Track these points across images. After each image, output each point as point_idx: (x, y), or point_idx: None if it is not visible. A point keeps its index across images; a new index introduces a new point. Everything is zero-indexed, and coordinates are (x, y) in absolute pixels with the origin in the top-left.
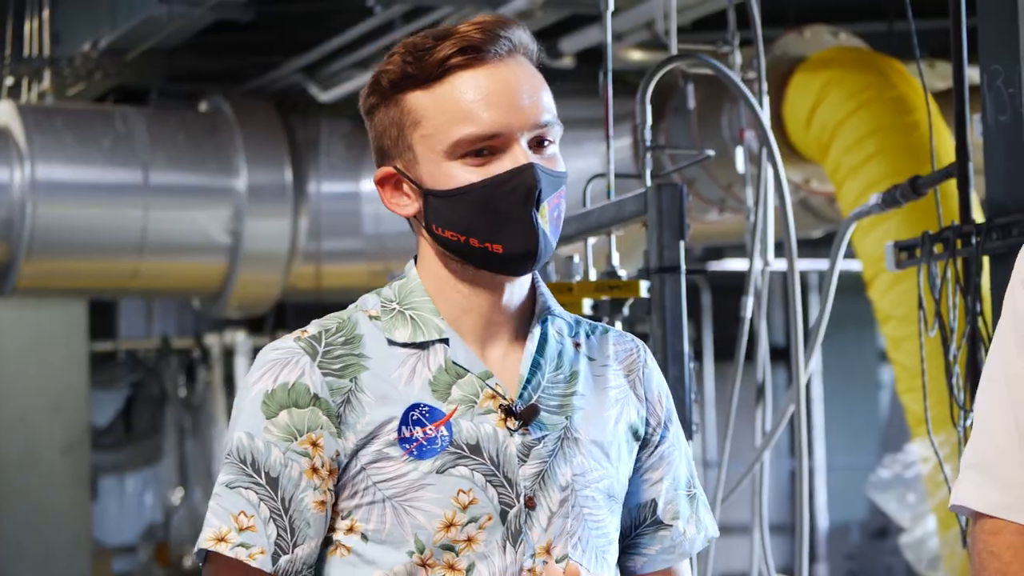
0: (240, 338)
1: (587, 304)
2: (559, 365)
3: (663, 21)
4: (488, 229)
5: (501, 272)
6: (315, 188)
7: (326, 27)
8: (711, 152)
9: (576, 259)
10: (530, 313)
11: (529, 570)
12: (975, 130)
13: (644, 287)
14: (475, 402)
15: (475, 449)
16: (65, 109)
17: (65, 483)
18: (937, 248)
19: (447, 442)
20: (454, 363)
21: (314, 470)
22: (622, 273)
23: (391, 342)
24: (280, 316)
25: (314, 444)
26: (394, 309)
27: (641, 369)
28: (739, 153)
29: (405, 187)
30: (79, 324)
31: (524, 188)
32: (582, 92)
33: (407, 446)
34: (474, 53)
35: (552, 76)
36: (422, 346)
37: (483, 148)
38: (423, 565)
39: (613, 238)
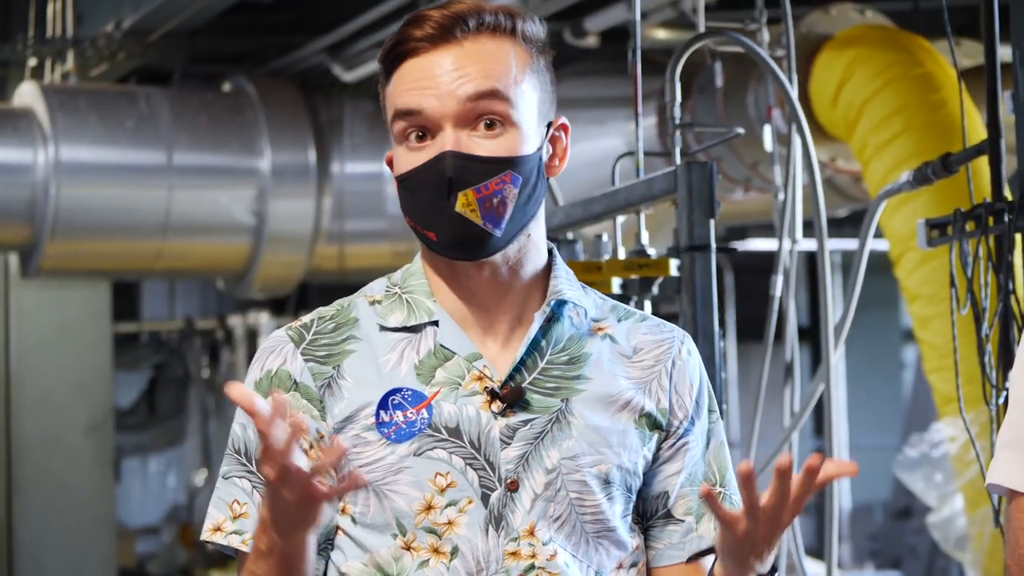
0: (264, 319)
1: (616, 283)
2: (567, 347)
3: None
4: (422, 217)
5: (449, 258)
6: (339, 168)
7: (350, 6)
8: (741, 130)
9: (605, 238)
10: (542, 298)
11: (512, 553)
12: (1005, 107)
13: (674, 265)
14: (460, 384)
15: (455, 432)
16: (88, 90)
17: (89, 464)
18: (969, 226)
19: (426, 424)
20: (442, 345)
21: (303, 453)
22: (651, 252)
23: (383, 328)
24: (303, 297)
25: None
26: (395, 293)
27: (672, 359)
28: (767, 132)
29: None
30: (103, 306)
31: (435, 178)
32: (606, 71)
33: (385, 430)
34: (408, 45)
35: (576, 55)
36: (414, 329)
37: (414, 129)
38: (408, 548)
39: (642, 216)
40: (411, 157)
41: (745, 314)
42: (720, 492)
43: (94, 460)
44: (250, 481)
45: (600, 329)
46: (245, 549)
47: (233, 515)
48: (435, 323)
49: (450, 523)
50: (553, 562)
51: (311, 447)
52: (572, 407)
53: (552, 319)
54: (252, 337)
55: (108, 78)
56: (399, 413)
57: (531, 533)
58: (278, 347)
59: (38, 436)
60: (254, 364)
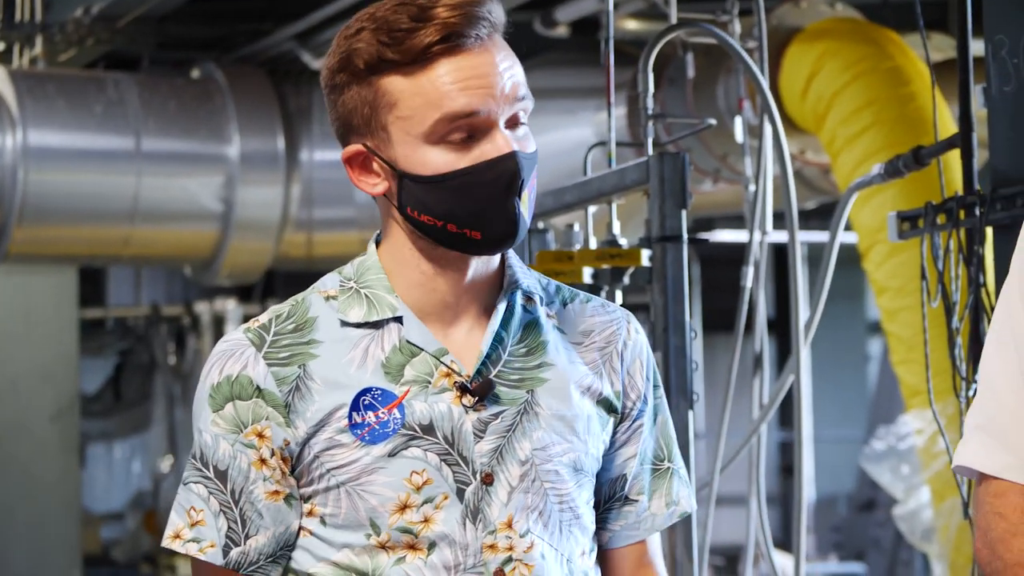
0: (230, 306)
1: (587, 272)
2: (523, 338)
3: None
4: (468, 216)
5: (476, 254)
6: (307, 156)
7: None
8: (713, 121)
9: (576, 227)
10: (499, 287)
11: (490, 546)
12: (976, 101)
13: (646, 256)
14: (429, 382)
15: (428, 429)
16: (57, 75)
17: (54, 451)
18: (940, 219)
19: (399, 424)
20: (408, 342)
21: (262, 461)
22: (623, 242)
23: (344, 323)
24: (270, 284)
25: (260, 435)
26: (351, 288)
27: (622, 340)
28: (738, 123)
29: (375, 166)
30: (69, 291)
31: (507, 177)
32: (576, 62)
33: (358, 432)
34: (457, 40)
35: (546, 45)
36: (376, 325)
37: (463, 131)
38: (383, 548)
39: (614, 207)
40: (453, 157)
41: (710, 306)
42: (668, 467)
43: (60, 446)
44: (206, 487)
45: (551, 316)
46: (202, 557)
47: (191, 522)
48: (398, 319)
49: (426, 520)
50: (530, 553)
51: (272, 455)
52: (538, 397)
53: (511, 309)
54: (219, 324)
55: (76, 63)
56: (371, 414)
57: (508, 525)
58: (237, 350)
59: (3, 422)
60: (211, 367)
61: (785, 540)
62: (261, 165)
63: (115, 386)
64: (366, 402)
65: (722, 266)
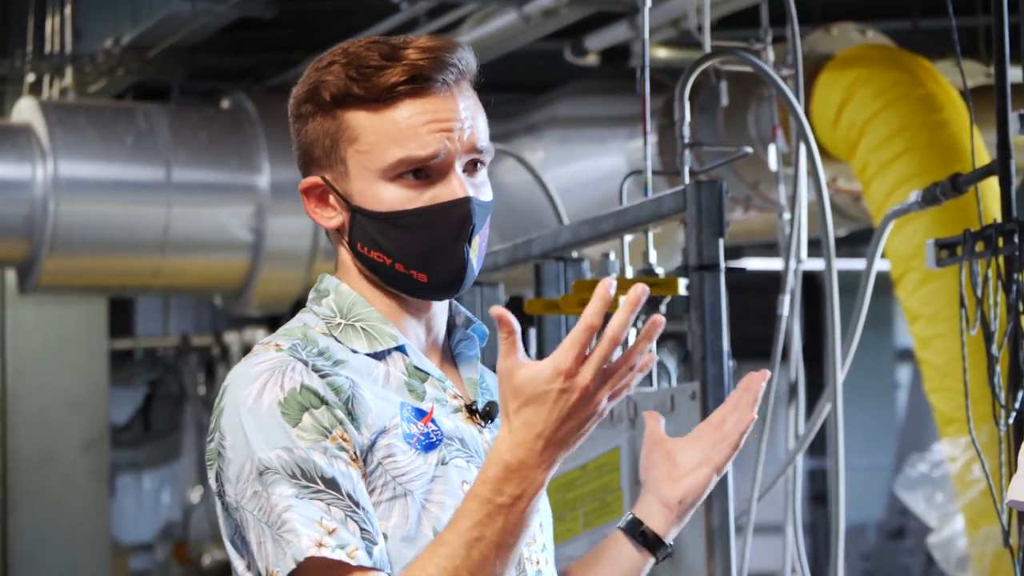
0: (260, 335)
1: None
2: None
3: (695, 17)
4: (416, 257)
5: (424, 298)
6: None
7: (348, 24)
8: (749, 149)
9: (612, 256)
10: (448, 318)
11: (527, 559)
12: (1011, 127)
13: (683, 285)
14: (447, 401)
15: (464, 442)
16: (87, 106)
17: (84, 481)
18: (978, 246)
19: (441, 436)
20: (416, 368)
21: (354, 460)
22: (659, 271)
23: (354, 351)
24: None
25: (343, 439)
26: (340, 323)
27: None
28: (772, 151)
29: (331, 199)
30: (99, 322)
31: (458, 221)
32: (606, 90)
33: (410, 440)
34: (423, 82)
35: (576, 74)
36: (379, 356)
37: (420, 171)
38: None
39: (651, 235)
40: (408, 196)
41: (736, 332)
42: None
43: (89, 476)
44: (323, 500)
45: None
46: (352, 562)
47: (327, 530)
48: (399, 348)
49: None
50: (547, 566)
51: (355, 459)
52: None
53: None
54: (248, 353)
55: (106, 94)
56: (413, 425)
57: (533, 540)
58: (286, 366)
59: (34, 452)
60: (263, 385)
61: (815, 568)
62: (291, 195)
63: (145, 416)
64: (406, 415)
65: (749, 294)
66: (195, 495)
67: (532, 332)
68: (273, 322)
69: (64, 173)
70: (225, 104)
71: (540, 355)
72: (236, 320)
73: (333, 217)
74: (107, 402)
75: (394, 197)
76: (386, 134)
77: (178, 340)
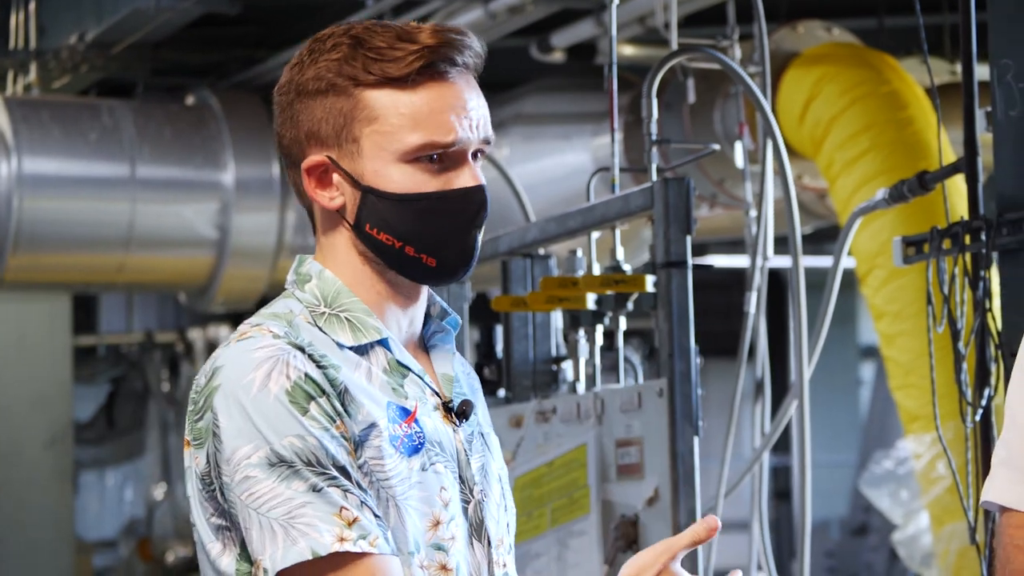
0: (224, 332)
1: (591, 299)
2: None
3: (662, 14)
4: (428, 241)
5: (425, 283)
6: None
7: (314, 21)
8: (717, 146)
9: (579, 253)
10: (424, 310)
11: (495, 562)
12: (978, 125)
13: (650, 281)
14: (426, 399)
15: (442, 445)
16: (51, 102)
17: (47, 478)
18: (945, 244)
19: (424, 439)
20: (398, 363)
21: (352, 453)
22: (626, 267)
23: (340, 345)
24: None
25: (343, 431)
26: (324, 313)
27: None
28: (738, 148)
29: (336, 178)
30: (63, 318)
31: (474, 208)
32: (572, 87)
33: (395, 443)
34: (445, 66)
35: (542, 71)
36: (361, 351)
37: (436, 156)
38: (421, 567)
39: (618, 232)
40: (423, 179)
41: (700, 330)
42: None
43: (53, 473)
44: (339, 487)
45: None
46: (375, 550)
47: (346, 522)
48: (381, 342)
49: (453, 537)
50: (511, 568)
51: (352, 453)
52: (478, 416)
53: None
54: (212, 350)
55: (70, 90)
56: (397, 427)
57: (501, 542)
58: (287, 354)
59: None
60: (270, 375)
61: (779, 565)
62: (256, 192)
63: (108, 413)
64: (392, 415)
65: (711, 290)
66: (159, 492)
67: (499, 329)
68: (237, 319)
69: (28, 169)
70: (190, 101)
71: (507, 352)
72: (200, 317)
73: (336, 197)
74: (71, 399)
75: (409, 180)
76: (409, 116)
77: (142, 337)
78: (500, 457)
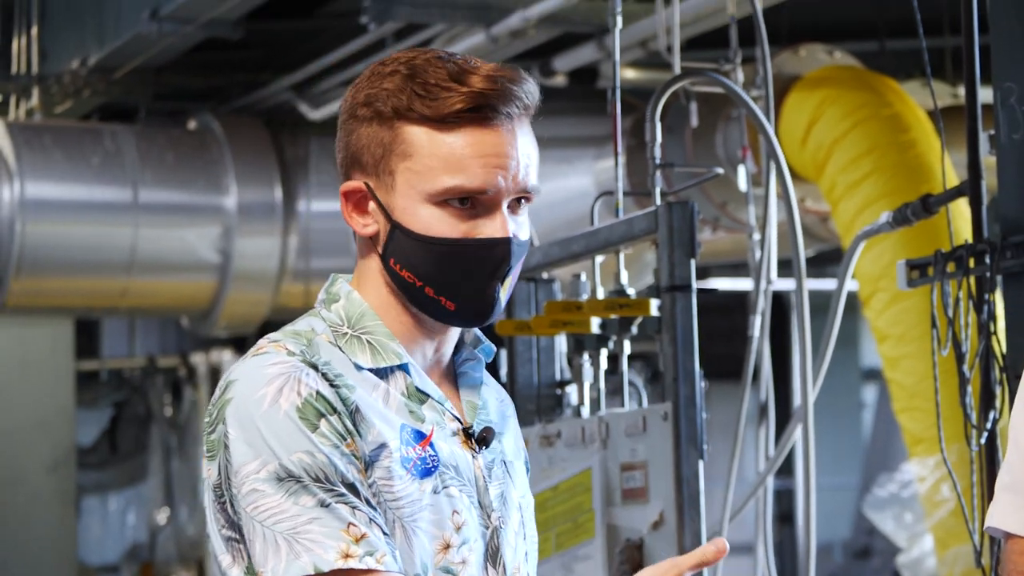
0: (227, 356)
1: (595, 323)
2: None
3: (665, 38)
4: (447, 286)
5: (447, 323)
6: (305, 207)
7: (316, 45)
8: (720, 170)
9: (583, 277)
10: (457, 339)
11: None
12: (981, 148)
13: (655, 305)
14: (445, 424)
15: (457, 470)
16: (54, 127)
17: (50, 502)
18: (949, 267)
19: (437, 462)
20: (417, 389)
21: (362, 472)
22: (631, 291)
23: (358, 367)
24: (264, 334)
25: (354, 450)
26: (347, 334)
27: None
28: (741, 172)
29: (371, 207)
30: (65, 343)
31: (495, 261)
32: (574, 110)
33: (407, 465)
34: (488, 112)
35: (544, 94)
36: (381, 373)
37: (467, 202)
38: None
39: (622, 256)
40: (449, 224)
41: (703, 353)
42: None
43: (55, 498)
44: (347, 503)
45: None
46: (381, 567)
47: (354, 538)
48: (402, 367)
49: (463, 562)
50: None
51: (362, 472)
52: (503, 445)
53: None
54: (215, 374)
55: (73, 115)
56: (411, 449)
57: (517, 570)
58: (300, 371)
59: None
60: (279, 389)
61: None
62: (258, 216)
63: (111, 438)
64: (405, 437)
65: (714, 313)
66: (161, 517)
67: (503, 353)
68: (240, 343)
69: (31, 194)
70: (192, 125)
71: (511, 376)
72: (203, 341)
73: (369, 225)
74: (73, 423)
75: (436, 221)
76: (441, 159)
77: (144, 361)
78: (524, 486)
